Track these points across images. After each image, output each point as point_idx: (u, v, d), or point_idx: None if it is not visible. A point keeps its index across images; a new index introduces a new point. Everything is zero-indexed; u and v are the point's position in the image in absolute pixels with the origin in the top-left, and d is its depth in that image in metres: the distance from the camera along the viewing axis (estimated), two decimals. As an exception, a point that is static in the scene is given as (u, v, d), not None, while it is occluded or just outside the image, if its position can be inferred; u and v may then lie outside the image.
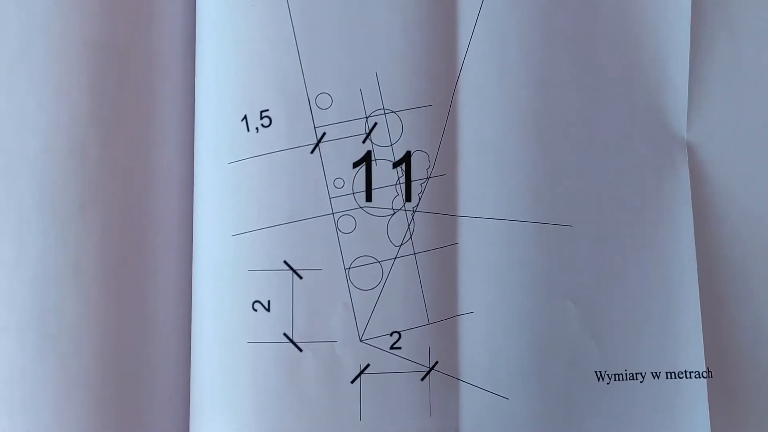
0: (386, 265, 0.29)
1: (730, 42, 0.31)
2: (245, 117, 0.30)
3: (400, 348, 0.29)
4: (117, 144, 0.31)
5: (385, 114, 0.30)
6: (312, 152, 0.29)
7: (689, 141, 0.30)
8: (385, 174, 0.30)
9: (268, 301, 0.29)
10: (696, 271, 0.30)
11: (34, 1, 0.30)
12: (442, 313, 0.29)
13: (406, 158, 0.30)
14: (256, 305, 0.29)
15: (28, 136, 0.30)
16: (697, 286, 0.30)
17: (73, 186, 0.30)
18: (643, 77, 0.30)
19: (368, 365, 0.29)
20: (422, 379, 0.29)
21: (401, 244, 0.29)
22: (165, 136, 0.31)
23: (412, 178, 0.30)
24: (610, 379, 0.30)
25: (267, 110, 0.29)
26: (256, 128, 0.29)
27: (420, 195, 0.29)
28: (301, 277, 0.29)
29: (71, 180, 0.30)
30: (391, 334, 0.29)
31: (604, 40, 0.30)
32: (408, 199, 0.29)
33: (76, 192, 0.30)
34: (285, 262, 0.29)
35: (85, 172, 0.30)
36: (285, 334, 0.29)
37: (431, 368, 0.29)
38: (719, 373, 0.30)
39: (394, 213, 0.30)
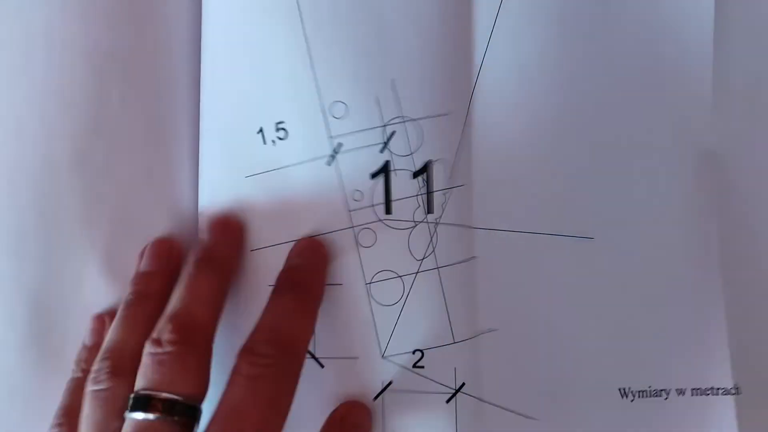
0: (408, 280, 0.28)
1: (754, 46, 0.29)
2: (261, 129, 0.29)
3: (423, 367, 0.28)
4: (120, 156, 0.30)
5: (404, 122, 0.28)
6: (329, 164, 0.28)
7: (715, 149, 0.29)
8: (404, 185, 0.28)
9: (289, 318, 0.29)
10: (721, 284, 0.29)
11: (35, 11, 0.30)
12: (468, 332, 0.28)
13: (427, 168, 0.28)
14: (276, 322, 0.29)
15: (28, 149, 0.30)
16: (723, 300, 0.29)
17: (76, 199, 0.30)
18: (666, 84, 0.29)
19: (391, 382, 0.28)
20: (447, 402, 0.28)
21: (423, 258, 0.28)
22: (170, 148, 0.30)
23: (434, 189, 0.28)
24: (634, 396, 0.28)
25: (282, 122, 0.29)
26: (273, 141, 0.29)
27: (444, 206, 0.28)
28: (320, 293, 0.29)
29: (73, 193, 0.30)
30: (413, 352, 0.28)
31: (626, 45, 0.29)
32: (430, 210, 0.28)
33: (78, 206, 0.30)
34: (305, 277, 0.29)
35: (88, 186, 0.30)
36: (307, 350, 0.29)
37: (457, 390, 0.28)
38: (748, 389, 0.29)
39: (416, 225, 0.28)
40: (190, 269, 0.27)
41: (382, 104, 0.28)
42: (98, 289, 0.30)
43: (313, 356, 0.29)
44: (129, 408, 0.24)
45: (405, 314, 0.28)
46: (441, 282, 0.28)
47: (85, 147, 0.30)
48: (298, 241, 0.28)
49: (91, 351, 0.29)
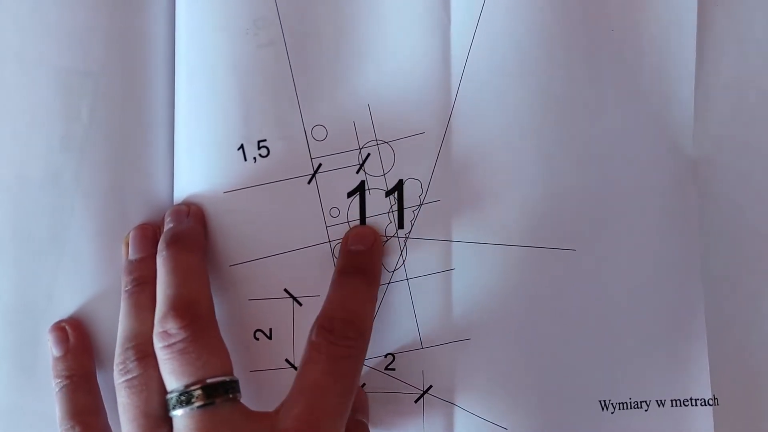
0: (380, 290, 0.31)
1: (737, 56, 0.30)
2: (242, 146, 0.30)
3: (394, 369, 0.31)
4: (92, 173, 0.30)
5: (377, 145, 0.31)
6: (309, 183, 0.30)
7: (695, 158, 0.30)
8: (378, 203, 0.31)
9: (270, 329, 0.30)
10: (702, 295, 0.30)
11: (6, 28, 0.30)
12: (437, 339, 0.30)
13: (399, 187, 0.31)
14: (258, 334, 0.30)
15: (1, 166, 0.30)
16: (704, 311, 0.30)
17: (47, 216, 0.30)
18: (648, 94, 0.30)
19: (364, 384, 0.31)
20: (416, 402, 0.31)
21: (394, 270, 0.31)
22: (142, 163, 0.31)
23: (405, 206, 0.31)
24: (614, 408, 0.30)
25: (265, 140, 0.30)
26: (254, 158, 0.30)
27: (412, 222, 0.31)
28: (300, 304, 0.30)
29: (45, 210, 0.30)
30: (385, 356, 0.31)
31: (607, 58, 0.30)
32: (401, 226, 0.31)
33: (50, 222, 0.30)
34: (285, 290, 0.30)
35: (59, 202, 0.30)
36: (287, 360, 0.30)
37: (425, 392, 0.31)
38: (726, 400, 0.30)
39: (387, 240, 0.31)
40: (164, 254, 0.28)
41: (358, 128, 0.30)
42: (67, 302, 0.30)
43: (292, 366, 0.30)
44: (171, 408, 0.25)
45: (377, 321, 0.30)
46: (410, 292, 0.31)
47: (57, 165, 0.30)
48: (355, 228, 0.30)
49: (65, 359, 0.29)
